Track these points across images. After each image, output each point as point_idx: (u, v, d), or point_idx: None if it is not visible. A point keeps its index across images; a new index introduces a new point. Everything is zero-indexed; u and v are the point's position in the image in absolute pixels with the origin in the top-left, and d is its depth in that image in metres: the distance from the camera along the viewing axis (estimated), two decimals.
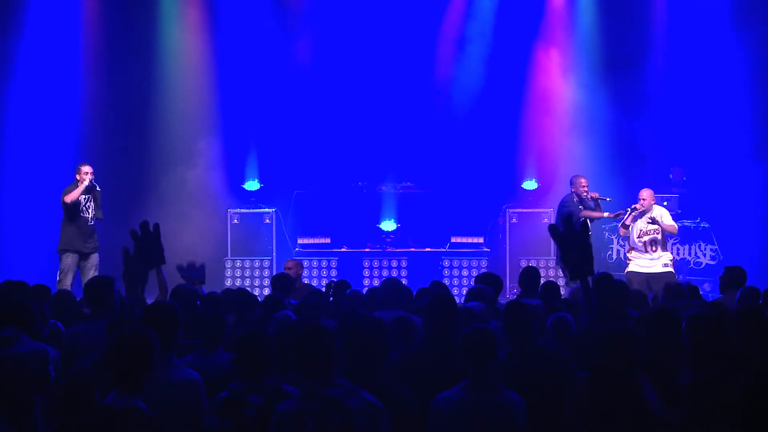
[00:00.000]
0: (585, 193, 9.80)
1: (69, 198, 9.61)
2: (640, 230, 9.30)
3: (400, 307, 5.65)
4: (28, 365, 4.22)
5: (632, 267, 9.34)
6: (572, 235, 4.22)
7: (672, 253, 10.04)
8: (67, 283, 9.44)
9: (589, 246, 4.26)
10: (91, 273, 9.49)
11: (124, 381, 3.56)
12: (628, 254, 9.50)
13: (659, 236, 9.24)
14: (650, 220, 9.24)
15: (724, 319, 4.22)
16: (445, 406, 3.79)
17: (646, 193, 9.35)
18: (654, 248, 9.23)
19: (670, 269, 9.18)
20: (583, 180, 9.89)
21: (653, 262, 9.21)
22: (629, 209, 9.39)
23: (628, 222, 9.37)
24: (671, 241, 10.46)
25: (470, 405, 3.77)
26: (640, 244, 9.26)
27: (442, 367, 4.19)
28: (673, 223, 9.44)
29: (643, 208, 9.28)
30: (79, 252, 9.67)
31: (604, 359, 3.91)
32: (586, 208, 9.78)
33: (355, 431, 3.45)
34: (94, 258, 9.76)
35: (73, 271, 9.64)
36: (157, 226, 4.99)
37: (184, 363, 4.34)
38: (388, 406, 3.60)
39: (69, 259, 9.65)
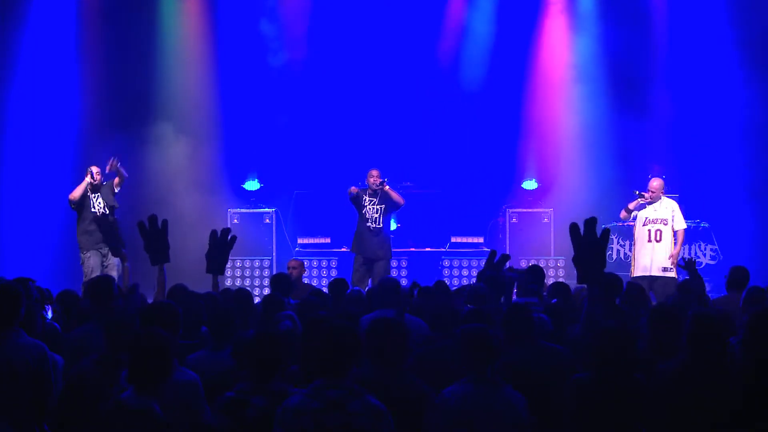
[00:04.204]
0: (376, 186, 9.82)
1: (72, 195, 9.55)
2: (646, 218, 9.20)
3: (397, 307, 5.65)
4: (25, 359, 4.21)
5: (636, 271, 9.22)
6: (591, 240, 4.27)
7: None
8: None
9: (604, 253, 4.32)
10: (113, 273, 9.33)
11: (145, 381, 3.57)
12: (632, 252, 9.46)
13: (664, 227, 9.13)
14: (659, 220, 9.17)
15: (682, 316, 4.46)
16: (450, 399, 3.80)
17: (655, 184, 9.22)
18: (659, 238, 9.12)
19: (672, 274, 8.99)
20: (374, 172, 9.92)
21: (656, 257, 9.07)
22: (637, 192, 9.29)
23: (631, 207, 9.29)
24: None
25: (476, 398, 3.79)
26: (645, 231, 9.17)
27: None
28: (683, 225, 9.26)
29: (650, 200, 9.18)
30: (99, 251, 9.52)
31: (606, 357, 3.95)
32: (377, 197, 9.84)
33: None
34: (114, 259, 9.54)
35: (98, 272, 9.37)
36: (165, 222, 5.04)
37: None
38: (408, 403, 3.64)
39: (91, 260, 9.46)
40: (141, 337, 3.66)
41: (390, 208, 9.91)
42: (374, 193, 9.84)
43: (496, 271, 5.99)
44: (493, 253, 6.13)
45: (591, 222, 4.30)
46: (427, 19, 12.67)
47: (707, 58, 12.05)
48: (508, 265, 6.24)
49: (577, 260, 4.35)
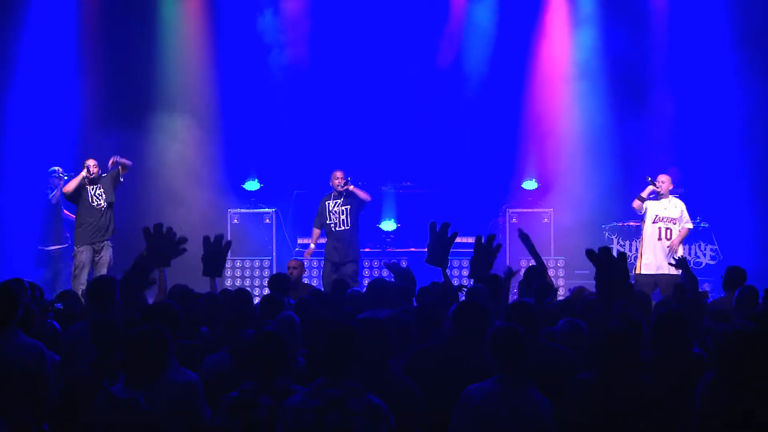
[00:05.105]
0: (341, 187, 9.85)
1: (65, 188, 9.58)
2: (656, 215, 9.38)
3: (387, 306, 5.65)
4: (23, 359, 4.21)
5: (642, 268, 9.33)
6: (611, 260, 4.38)
7: None
8: (83, 279, 9.17)
9: (626, 270, 4.46)
10: (103, 270, 9.32)
11: (136, 375, 3.61)
12: (639, 248, 9.52)
13: (674, 227, 9.32)
14: (669, 219, 9.34)
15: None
16: (475, 397, 3.79)
17: (664, 177, 9.44)
18: (669, 236, 9.30)
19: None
20: (338, 173, 9.98)
21: (665, 256, 9.15)
22: (649, 179, 9.46)
23: (644, 195, 9.46)
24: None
25: (504, 399, 3.79)
26: (655, 229, 9.32)
27: (470, 362, 4.17)
28: (689, 225, 9.48)
29: (659, 190, 9.36)
30: (92, 245, 9.51)
31: (608, 358, 3.96)
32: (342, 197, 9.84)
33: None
34: (107, 255, 9.54)
35: (88, 267, 9.41)
36: (171, 229, 5.04)
37: None
38: (395, 400, 3.63)
39: (83, 255, 9.43)
40: (136, 332, 3.68)
41: (357, 206, 9.93)
42: (338, 195, 9.88)
43: (491, 255, 5.84)
44: (479, 238, 5.99)
45: (605, 249, 4.42)
46: (427, 20, 12.68)
47: (708, 58, 12.04)
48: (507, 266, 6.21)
49: (600, 278, 4.43)
